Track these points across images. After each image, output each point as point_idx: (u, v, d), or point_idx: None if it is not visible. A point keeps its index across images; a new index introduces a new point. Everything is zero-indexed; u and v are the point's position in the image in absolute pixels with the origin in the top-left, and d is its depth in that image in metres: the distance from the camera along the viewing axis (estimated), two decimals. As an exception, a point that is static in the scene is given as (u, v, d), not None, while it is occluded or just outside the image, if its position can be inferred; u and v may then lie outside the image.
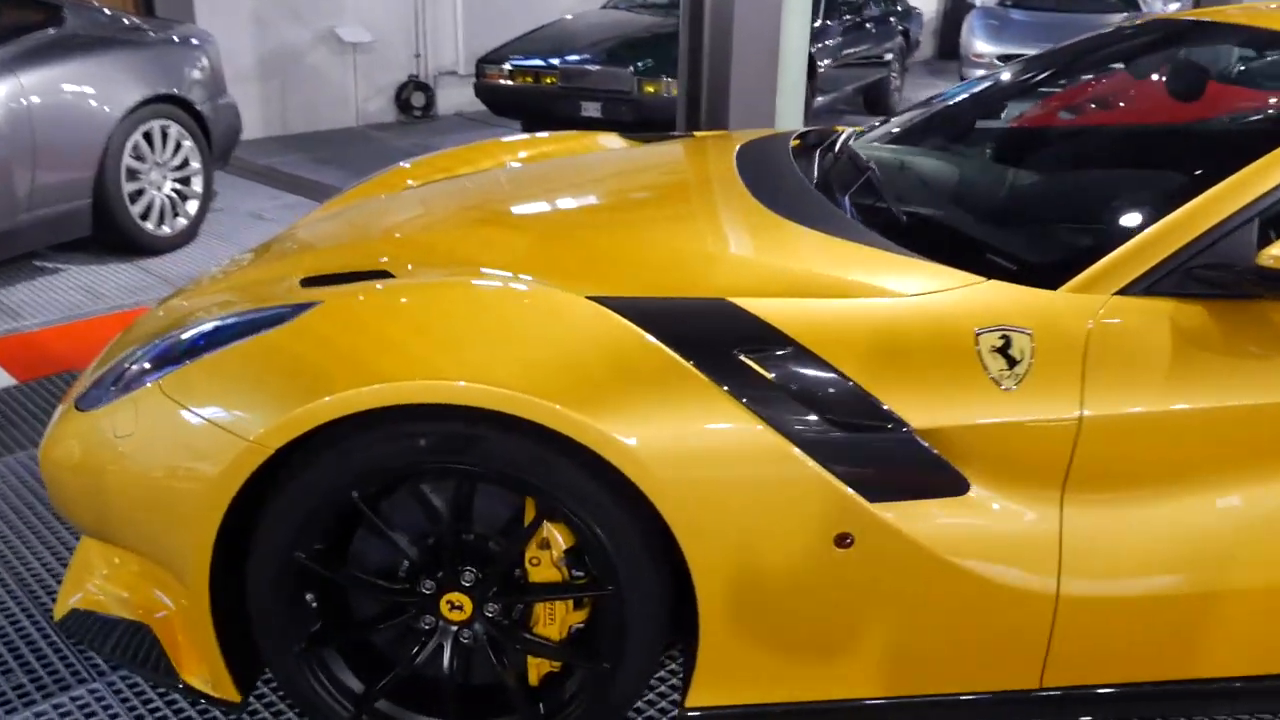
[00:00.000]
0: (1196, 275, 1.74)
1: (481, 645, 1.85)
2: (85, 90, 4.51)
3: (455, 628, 1.84)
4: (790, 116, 4.14)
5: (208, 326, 1.92)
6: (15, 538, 2.65)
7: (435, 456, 1.71)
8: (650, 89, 6.14)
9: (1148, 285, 1.75)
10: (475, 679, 1.92)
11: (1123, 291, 1.75)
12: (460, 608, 1.82)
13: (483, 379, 1.65)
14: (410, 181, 2.96)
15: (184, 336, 1.93)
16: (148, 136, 4.80)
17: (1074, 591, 1.76)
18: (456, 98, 9.00)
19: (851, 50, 8.22)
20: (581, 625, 1.87)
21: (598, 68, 6.22)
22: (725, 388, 1.68)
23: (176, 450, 1.75)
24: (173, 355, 1.90)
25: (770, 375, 1.70)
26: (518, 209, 2.41)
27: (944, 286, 1.79)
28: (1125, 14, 11.06)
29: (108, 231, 4.72)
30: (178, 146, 4.98)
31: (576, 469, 1.70)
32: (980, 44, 11.10)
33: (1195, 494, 1.76)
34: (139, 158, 4.77)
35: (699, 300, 1.78)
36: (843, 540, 1.70)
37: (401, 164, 3.21)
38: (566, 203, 2.44)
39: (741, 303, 1.76)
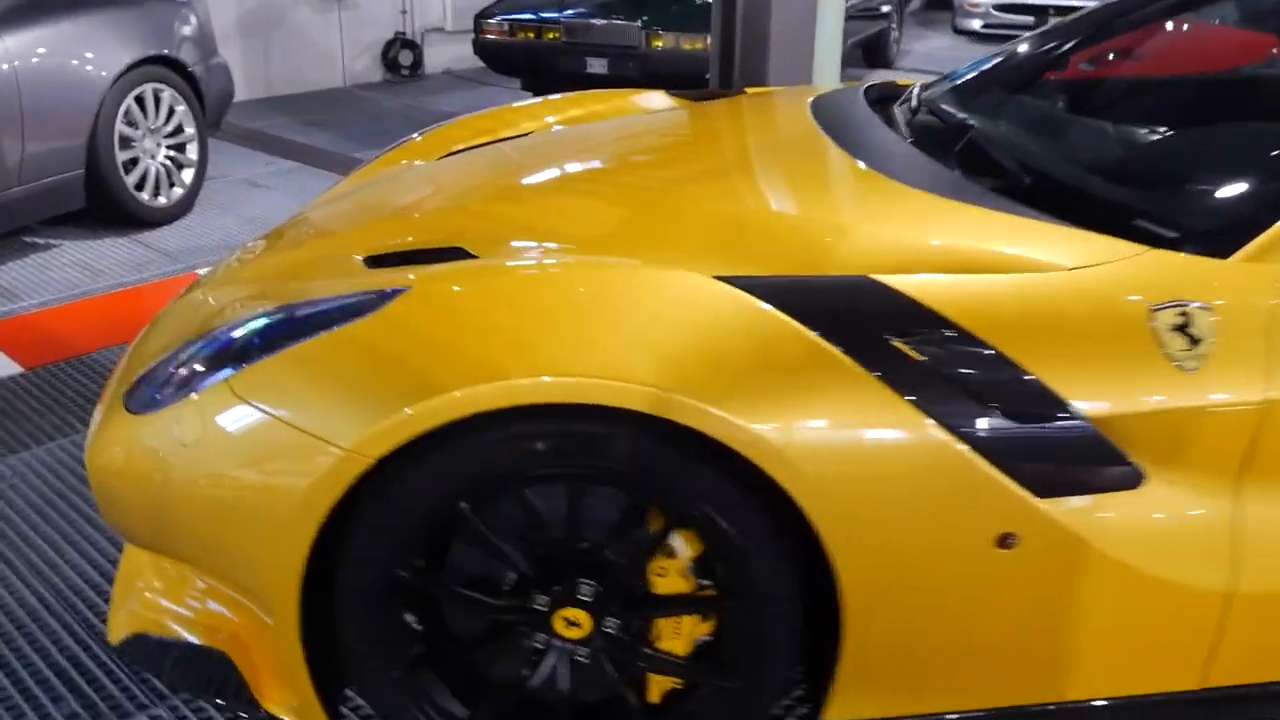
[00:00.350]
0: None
1: (599, 663, 1.68)
2: (73, 52, 4.22)
3: (571, 645, 1.67)
4: (828, 72, 3.94)
5: (267, 318, 1.72)
6: (46, 545, 2.45)
7: (556, 460, 1.52)
8: (658, 44, 5.89)
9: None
10: (585, 696, 1.75)
11: (1305, 259, 1.58)
12: (577, 624, 1.65)
13: (615, 374, 1.46)
14: (455, 145, 2.75)
15: (243, 330, 1.73)
16: (139, 101, 4.52)
17: (1249, 586, 1.62)
18: (444, 55, 8.70)
19: (851, 3, 7.98)
20: (708, 638, 1.70)
21: (603, 22, 5.96)
22: (877, 375, 1.51)
23: (255, 458, 1.56)
24: (233, 351, 1.70)
25: (925, 360, 1.52)
26: (590, 176, 2.21)
27: (1105, 258, 1.62)
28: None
29: (101, 203, 4.45)
30: (170, 112, 4.70)
31: (712, 469, 1.53)
32: (975, -8, 10.88)
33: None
34: (131, 124, 4.49)
35: (840, 278, 1.60)
36: (1005, 540, 1.54)
37: (434, 127, 2.99)
38: (643, 169, 2.23)
39: (887, 280, 1.58)
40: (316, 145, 6.26)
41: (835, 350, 1.51)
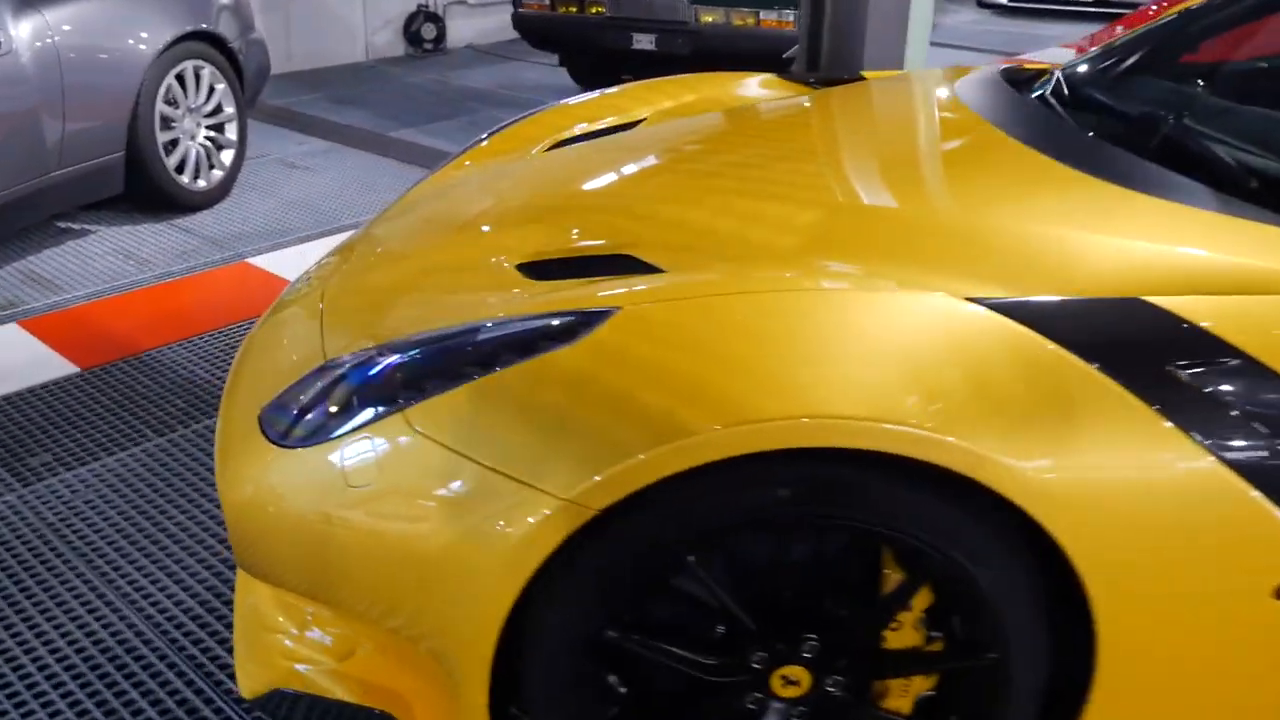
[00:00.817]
0: None
1: (816, 726, 1.50)
2: (115, 27, 3.97)
3: (787, 705, 1.49)
4: (918, 54, 3.73)
5: (441, 341, 1.52)
6: (134, 570, 2.25)
7: (797, 508, 1.33)
8: (708, 19, 5.66)
9: None
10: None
11: None
12: (796, 682, 1.47)
13: (878, 414, 1.27)
14: (536, 144, 2.55)
15: (408, 354, 1.53)
16: (180, 79, 4.28)
17: None
18: (466, 29, 8.43)
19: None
20: (930, 693, 1.52)
21: (650, -5, 5.72)
22: (1155, 408, 1.32)
23: (448, 506, 1.36)
24: (397, 378, 1.50)
25: (1210, 393, 1.34)
26: (755, 174, 1.99)
27: (1400, 274, 1.43)
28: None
29: (141, 187, 4.21)
30: (210, 90, 4.46)
31: (965, 513, 1.34)
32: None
33: None
34: (171, 103, 4.25)
35: (1108, 300, 1.41)
36: (1284, 592, 1.37)
37: (503, 126, 2.77)
38: (809, 165, 2.02)
39: (1160, 302, 1.40)
40: (349, 123, 6.01)
41: (1111, 381, 1.33)
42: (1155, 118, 1.94)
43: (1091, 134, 1.97)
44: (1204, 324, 1.37)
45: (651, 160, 2.15)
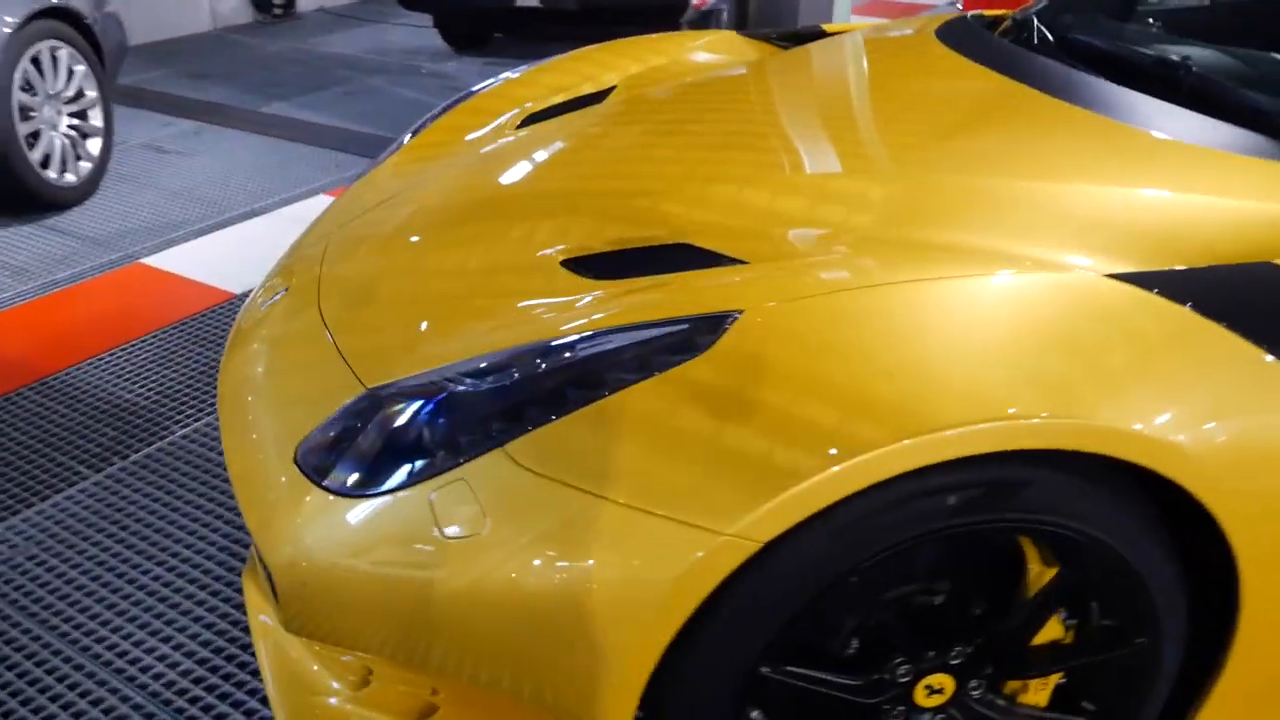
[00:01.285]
0: None
1: (958, 733, 1.42)
2: (-42, 7, 3.50)
3: (930, 713, 1.40)
4: (843, 7, 3.65)
5: (530, 360, 1.34)
6: (114, 634, 1.98)
7: (964, 515, 1.23)
8: (593, -28, 5.44)
9: None
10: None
11: None
12: (939, 690, 1.38)
13: (1064, 409, 1.18)
14: (496, 119, 2.35)
15: (487, 379, 1.35)
16: (35, 63, 3.82)
17: None
18: (316, -9, 7.92)
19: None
20: (1061, 681, 1.46)
21: (531, -51, 5.46)
22: (1303, 375, 1.28)
23: (575, 551, 1.19)
24: (471, 406, 1.33)
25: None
26: (802, 145, 1.84)
27: None
28: None
29: (3, 187, 3.76)
30: (70, 73, 4.00)
31: (1119, 497, 1.27)
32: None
33: None
34: (29, 90, 3.80)
35: (1244, 267, 1.35)
36: None
37: (488, 85, 2.57)
38: (860, 134, 1.85)
39: (1294, 264, 1.34)
40: (213, 100, 5.55)
41: (1255, 348, 1.27)
42: (1164, 62, 1.87)
43: (1125, 88, 1.89)
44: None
45: (671, 134, 1.99)
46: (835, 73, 2.21)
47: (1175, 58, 1.80)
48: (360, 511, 1.31)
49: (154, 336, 3.05)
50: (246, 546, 2.18)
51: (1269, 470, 1.27)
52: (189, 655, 1.92)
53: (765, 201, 1.63)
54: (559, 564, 1.20)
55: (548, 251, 1.62)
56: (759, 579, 1.19)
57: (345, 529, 1.31)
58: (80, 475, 2.44)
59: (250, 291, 3.28)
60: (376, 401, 1.42)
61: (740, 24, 3.53)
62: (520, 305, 1.52)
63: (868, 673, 1.35)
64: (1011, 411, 1.17)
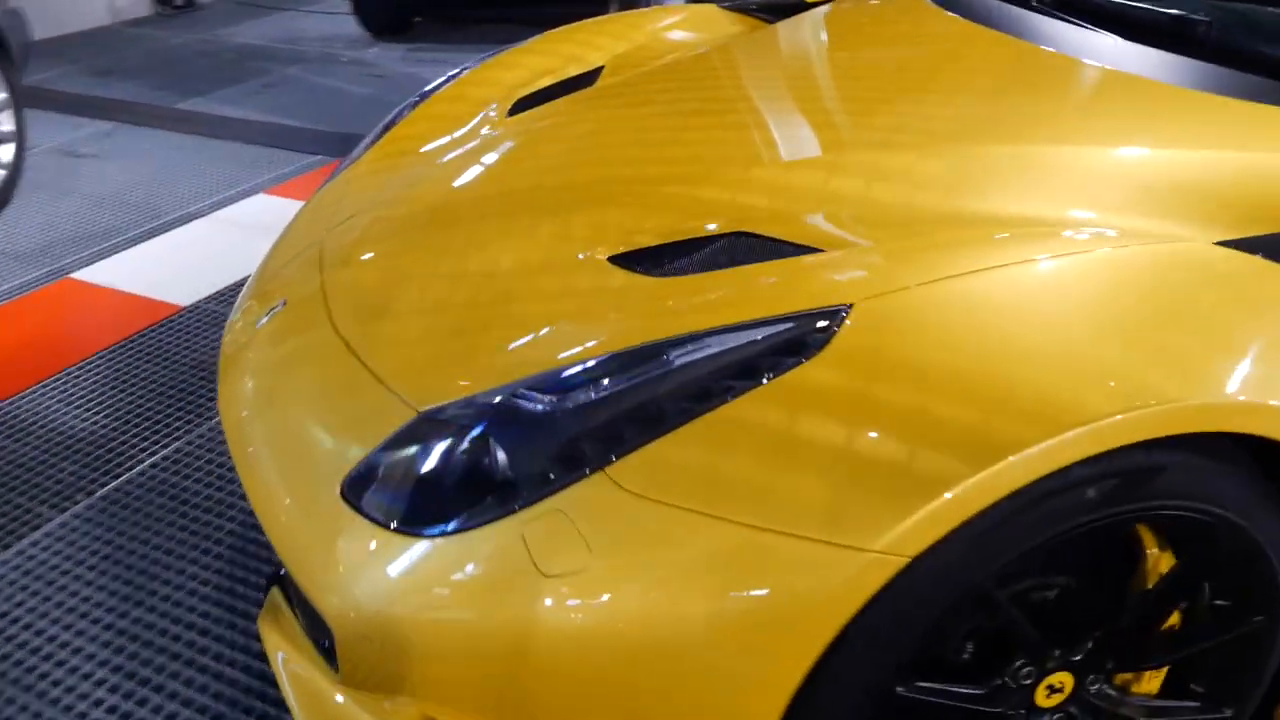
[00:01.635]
0: None
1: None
2: None
3: (1049, 714, 1.32)
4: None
5: (623, 374, 1.21)
6: (113, 693, 1.80)
7: (1101, 510, 1.14)
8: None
9: None
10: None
11: None
12: (1059, 689, 1.30)
13: (1213, 389, 1.10)
14: (485, 105, 2.20)
15: (548, 398, 1.22)
16: (-65, 65, 3.51)
17: None
18: (217, -20, 7.54)
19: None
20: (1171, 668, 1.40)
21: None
22: None
23: (699, 581, 1.08)
24: (555, 427, 1.20)
25: None
26: (845, 120, 1.73)
27: None
28: None
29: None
30: (-27, 75, 3.70)
31: (1242, 474, 1.21)
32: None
33: None
34: (-70, 95, 3.49)
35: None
36: None
37: (465, 70, 2.41)
38: (905, 106, 1.72)
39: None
40: (123, 98, 5.22)
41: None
42: (1179, 19, 1.81)
43: (1134, 44, 1.83)
44: None
45: (688, 115, 1.87)
46: (847, 44, 2.11)
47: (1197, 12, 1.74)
48: (438, 553, 1.17)
49: (101, 357, 2.82)
50: (241, 583, 2.01)
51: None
52: (183, 708, 1.75)
53: (818, 183, 1.52)
54: (680, 596, 1.08)
55: (588, 248, 1.49)
56: (899, 594, 1.09)
57: (422, 573, 1.17)
58: (43, 517, 2.22)
59: (200, 303, 3.08)
60: (433, 426, 1.28)
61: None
62: (574, 308, 1.39)
63: (991, 680, 1.26)
64: (1154, 398, 1.08)
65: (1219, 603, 1.31)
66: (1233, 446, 1.18)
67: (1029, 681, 1.27)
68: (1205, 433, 1.15)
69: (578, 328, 1.34)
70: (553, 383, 1.24)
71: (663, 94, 2.00)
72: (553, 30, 2.54)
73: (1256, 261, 1.22)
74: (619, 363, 1.22)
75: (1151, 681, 1.38)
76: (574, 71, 2.30)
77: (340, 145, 4.47)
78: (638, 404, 1.17)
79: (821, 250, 1.34)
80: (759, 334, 1.18)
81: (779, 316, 1.19)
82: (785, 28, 2.30)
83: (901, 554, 1.05)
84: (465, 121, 2.18)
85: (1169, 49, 1.67)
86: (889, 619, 1.10)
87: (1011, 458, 1.04)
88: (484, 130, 2.08)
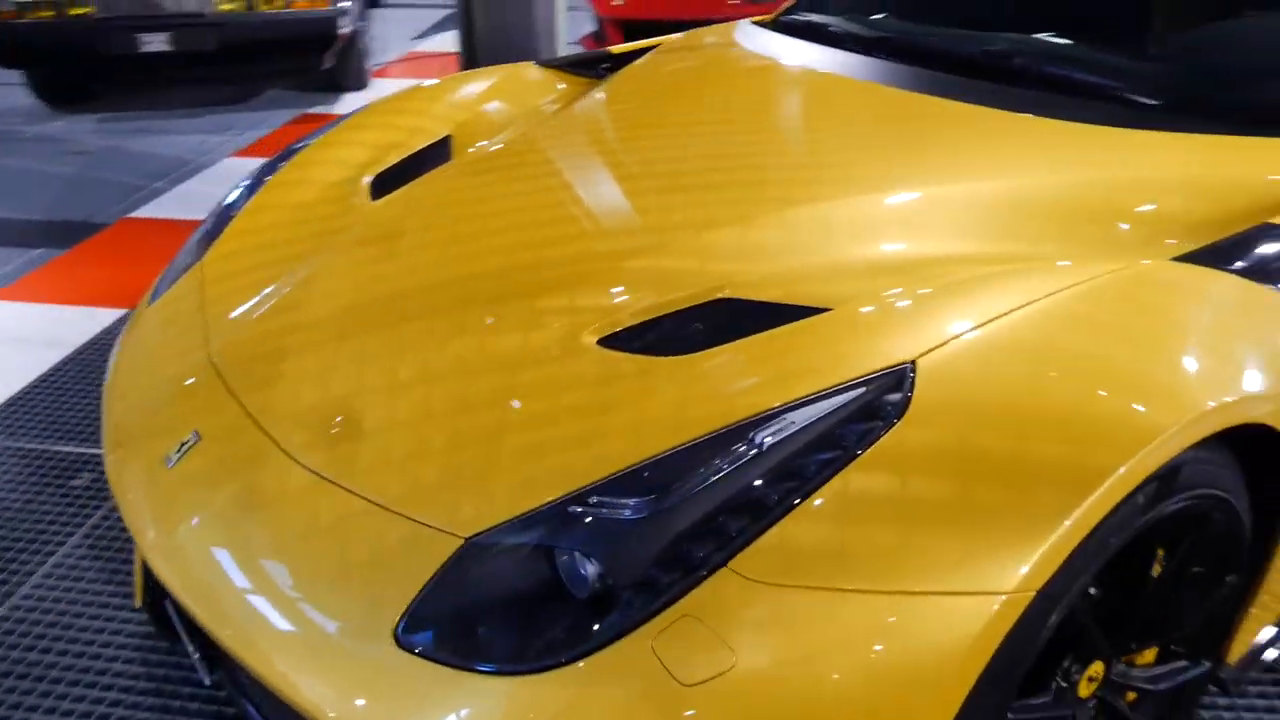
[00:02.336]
0: None
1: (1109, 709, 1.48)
2: None
3: (1089, 704, 1.44)
4: (564, 32, 3.61)
5: (739, 472, 1.18)
6: None
7: (1149, 511, 1.26)
8: (228, 6, 4.91)
9: None
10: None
11: None
12: (1095, 678, 1.42)
13: (1217, 391, 1.26)
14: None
15: (631, 501, 1.18)
16: None
17: None
18: None
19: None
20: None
21: (150, -13, 4.83)
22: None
23: (839, 654, 1.08)
24: (637, 531, 1.16)
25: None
26: (778, 172, 1.78)
27: None
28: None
29: None
30: None
31: (1230, 457, 1.38)
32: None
33: None
34: None
35: (1253, 231, 1.50)
36: None
37: (305, 145, 2.25)
38: (824, 155, 1.81)
39: (1280, 222, 1.52)
40: None
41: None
42: (1000, 53, 2.03)
43: (970, 80, 2.02)
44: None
45: (611, 179, 1.84)
46: (726, 94, 2.17)
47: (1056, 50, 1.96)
48: (558, 688, 1.10)
49: None
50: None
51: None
52: None
53: (779, 240, 1.56)
54: (832, 674, 1.08)
55: (570, 334, 1.45)
56: (1026, 628, 1.15)
57: (547, 713, 1.09)
58: None
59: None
60: (495, 551, 1.20)
61: (470, 60, 3.36)
62: (592, 400, 1.35)
63: (1049, 685, 1.36)
64: (1193, 406, 1.22)
65: (1203, 570, 1.48)
66: (1224, 435, 1.34)
67: (1077, 678, 1.38)
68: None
69: (613, 419, 1.30)
70: (631, 484, 1.19)
71: (559, 163, 1.96)
72: (377, 103, 2.43)
73: (1207, 271, 1.40)
74: (701, 453, 1.19)
75: (1150, 653, 1.53)
76: (421, 144, 2.21)
77: (64, 235, 4.01)
78: (736, 492, 1.15)
79: (826, 309, 1.38)
80: (835, 404, 1.20)
81: (847, 384, 1.22)
82: (648, 82, 2.33)
83: (1030, 590, 1.11)
84: (321, 208, 2.03)
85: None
86: (1017, 653, 1.16)
87: (1109, 481, 1.14)
88: (352, 219, 1.95)
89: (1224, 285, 1.39)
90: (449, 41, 7.30)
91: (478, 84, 2.47)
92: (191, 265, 1.99)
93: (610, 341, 1.43)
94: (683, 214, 1.67)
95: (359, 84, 5.95)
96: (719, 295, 1.47)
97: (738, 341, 1.35)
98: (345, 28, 5.29)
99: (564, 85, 2.51)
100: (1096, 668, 1.41)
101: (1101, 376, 1.22)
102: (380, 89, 6.03)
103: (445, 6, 8.47)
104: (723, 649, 1.09)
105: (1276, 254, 1.46)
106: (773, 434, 1.19)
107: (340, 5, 5.14)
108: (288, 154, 2.24)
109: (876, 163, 1.76)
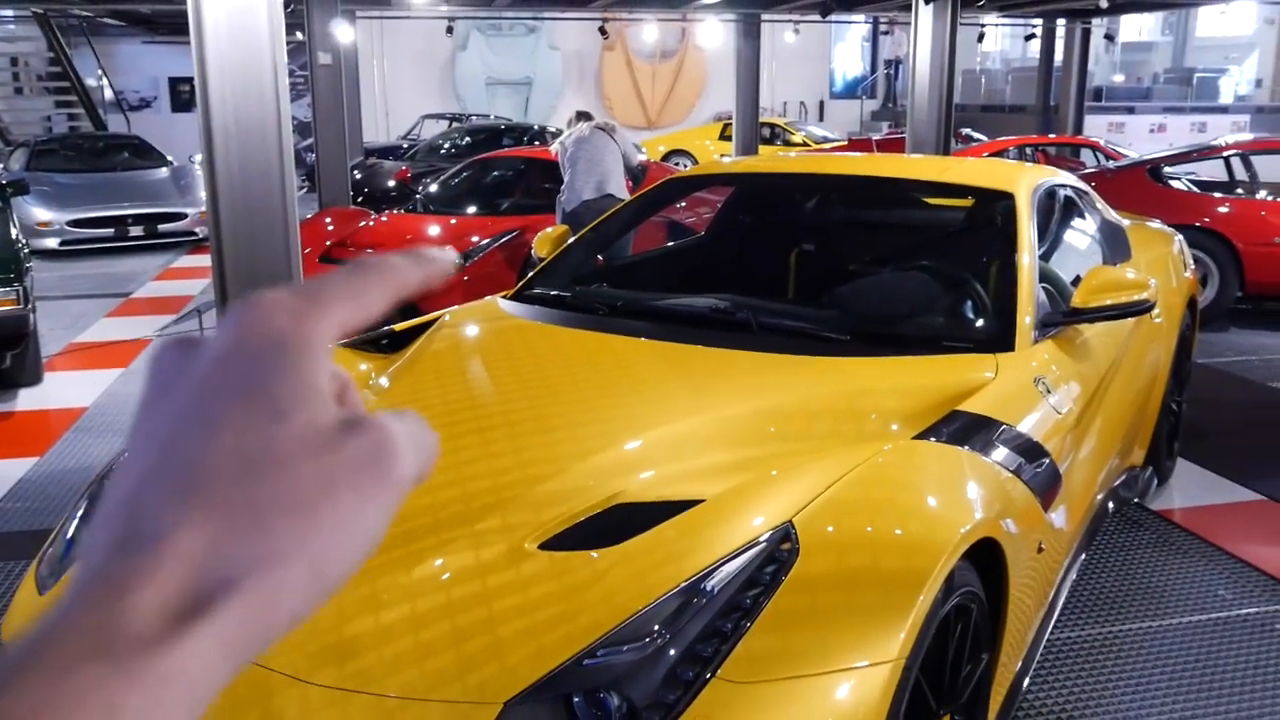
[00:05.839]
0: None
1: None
2: None
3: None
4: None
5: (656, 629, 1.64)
6: None
7: (945, 604, 1.86)
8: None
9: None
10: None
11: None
12: None
13: (968, 518, 1.94)
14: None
15: (624, 651, 1.61)
16: None
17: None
18: None
19: None
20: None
21: None
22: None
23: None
24: (641, 666, 1.59)
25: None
26: (609, 416, 2.34)
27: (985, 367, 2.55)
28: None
29: None
30: None
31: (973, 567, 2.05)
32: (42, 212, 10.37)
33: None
34: None
35: (950, 416, 2.24)
36: None
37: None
38: (629, 399, 2.40)
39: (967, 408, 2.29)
40: None
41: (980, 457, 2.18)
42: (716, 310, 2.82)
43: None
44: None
45: (488, 426, 2.29)
46: (535, 354, 2.71)
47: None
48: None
49: None
50: None
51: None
52: None
53: (641, 459, 2.10)
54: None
55: (514, 545, 1.85)
56: (902, 684, 1.68)
57: None
58: None
59: None
60: (531, 708, 1.55)
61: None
62: (559, 589, 1.76)
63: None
64: (962, 527, 1.87)
65: (970, 650, 2.10)
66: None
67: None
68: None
69: (585, 597, 1.72)
70: (626, 635, 1.61)
71: (436, 415, 2.38)
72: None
73: (939, 445, 2.10)
74: (670, 605, 1.65)
75: (942, 720, 2.12)
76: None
77: None
78: (703, 626, 1.62)
79: (701, 500, 1.91)
80: (749, 556, 1.72)
81: (751, 542, 1.75)
82: (441, 355, 2.81)
83: (903, 656, 1.66)
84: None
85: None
86: (897, 708, 1.68)
87: (930, 578, 1.73)
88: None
89: (947, 451, 2.10)
90: (107, 330, 7.27)
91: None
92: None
93: (548, 545, 1.85)
94: (564, 447, 2.16)
95: (34, 379, 5.80)
96: (616, 502, 1.95)
97: (655, 529, 1.84)
98: (32, 325, 5.24)
99: (366, 365, 2.90)
100: (930, 724, 1.97)
101: (908, 514, 1.86)
102: (54, 382, 5.91)
103: (78, 296, 8.38)
104: (729, 736, 1.52)
105: (964, 428, 2.22)
106: (715, 583, 1.68)
107: (31, 302, 5.11)
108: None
109: (679, 397, 2.37)
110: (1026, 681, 2.43)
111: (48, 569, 2.15)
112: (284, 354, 0.37)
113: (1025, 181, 3.21)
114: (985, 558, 2.04)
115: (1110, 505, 3.41)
